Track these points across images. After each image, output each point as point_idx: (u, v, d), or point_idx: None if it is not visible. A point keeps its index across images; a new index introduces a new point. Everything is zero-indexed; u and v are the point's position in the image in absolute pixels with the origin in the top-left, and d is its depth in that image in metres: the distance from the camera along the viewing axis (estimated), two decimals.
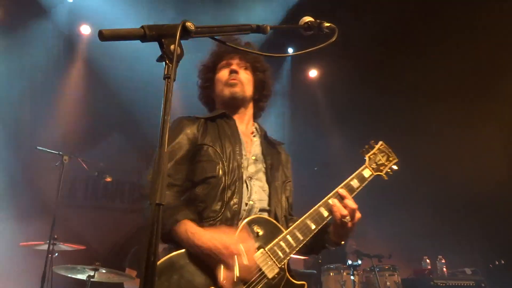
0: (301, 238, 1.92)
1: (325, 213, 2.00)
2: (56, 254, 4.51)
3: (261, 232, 1.88)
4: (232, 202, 1.93)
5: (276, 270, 1.84)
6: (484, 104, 5.90)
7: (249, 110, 2.30)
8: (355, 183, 2.14)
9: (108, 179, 5.28)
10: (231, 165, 1.99)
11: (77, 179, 7.11)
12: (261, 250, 1.85)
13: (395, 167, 2.35)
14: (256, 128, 2.30)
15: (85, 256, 5.25)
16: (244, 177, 2.02)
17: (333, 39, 1.69)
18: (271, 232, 1.91)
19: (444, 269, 5.62)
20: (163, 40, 1.28)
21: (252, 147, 2.18)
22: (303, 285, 1.92)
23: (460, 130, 5.93)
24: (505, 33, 5.55)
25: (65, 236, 4.79)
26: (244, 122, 2.26)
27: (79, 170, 5.25)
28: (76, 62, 7.19)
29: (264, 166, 2.14)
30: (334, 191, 2.07)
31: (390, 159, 2.37)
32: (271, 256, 1.86)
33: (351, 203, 2.00)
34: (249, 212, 1.96)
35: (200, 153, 2.02)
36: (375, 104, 6.67)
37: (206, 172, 1.97)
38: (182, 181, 1.99)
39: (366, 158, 2.30)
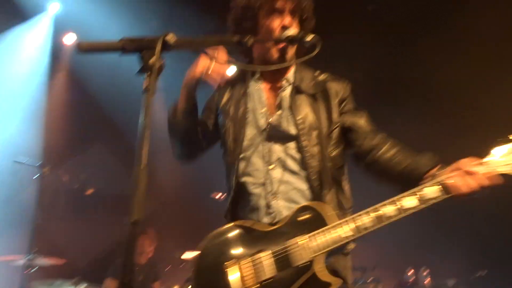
0: (351, 234, 1.68)
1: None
2: (35, 268, 4.37)
3: (307, 217, 1.76)
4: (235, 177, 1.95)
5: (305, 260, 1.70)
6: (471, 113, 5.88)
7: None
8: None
9: (90, 191, 5.17)
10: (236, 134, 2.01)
11: (58, 191, 6.95)
12: (303, 236, 1.72)
13: None
14: (287, 79, 2.08)
15: (65, 270, 5.10)
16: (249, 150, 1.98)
17: (315, 52, 1.68)
18: (319, 219, 1.75)
19: (427, 281, 5.62)
20: (143, 53, 1.26)
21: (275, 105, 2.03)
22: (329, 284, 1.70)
23: (446, 138, 5.90)
24: None
25: (45, 250, 4.65)
26: (277, 75, 2.08)
27: (59, 182, 5.14)
28: (58, 72, 7.08)
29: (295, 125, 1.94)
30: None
31: None
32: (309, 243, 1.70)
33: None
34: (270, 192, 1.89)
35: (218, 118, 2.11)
36: None
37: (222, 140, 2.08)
38: None
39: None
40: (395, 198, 1.69)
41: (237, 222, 1.89)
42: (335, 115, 2.01)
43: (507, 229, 5.80)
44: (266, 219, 1.86)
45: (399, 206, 1.68)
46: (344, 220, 1.71)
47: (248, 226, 1.86)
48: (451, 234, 6.45)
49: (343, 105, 2.05)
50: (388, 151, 1.91)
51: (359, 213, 1.71)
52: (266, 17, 2.01)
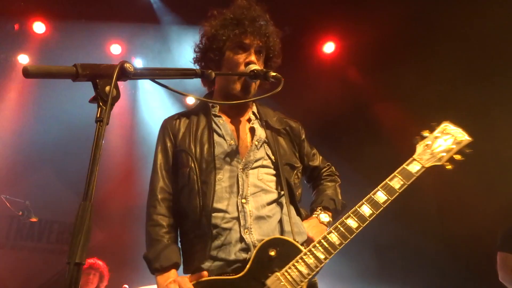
0: (322, 257, 1.73)
1: (354, 224, 1.78)
2: None
3: (274, 254, 1.74)
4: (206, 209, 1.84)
5: None
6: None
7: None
8: (396, 182, 1.83)
9: (34, 219, 4.86)
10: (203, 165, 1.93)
11: (0, 218, 6.51)
12: (275, 274, 1.72)
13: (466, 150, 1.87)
14: (254, 113, 2.14)
15: None
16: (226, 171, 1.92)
17: (279, 89, 1.67)
18: (287, 252, 1.76)
19: None
20: (97, 80, 1.19)
21: (248, 136, 2.04)
22: None
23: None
24: None
25: None
26: (239, 109, 2.11)
27: (2, 208, 4.81)
28: (9, 92, 6.75)
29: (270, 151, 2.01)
30: (369, 196, 1.82)
31: (459, 139, 1.89)
32: (284, 280, 1.70)
33: None
34: (244, 216, 1.83)
35: (177, 159, 2.00)
36: None
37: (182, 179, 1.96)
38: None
39: (417, 147, 1.89)
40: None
41: (207, 278, 1.79)
42: (299, 153, 2.16)
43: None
44: (238, 255, 1.79)
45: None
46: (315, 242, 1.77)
47: (220, 278, 1.78)
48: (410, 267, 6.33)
49: (304, 145, 2.21)
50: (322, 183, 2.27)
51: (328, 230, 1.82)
52: (232, 51, 2.02)
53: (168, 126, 2.08)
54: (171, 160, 2.01)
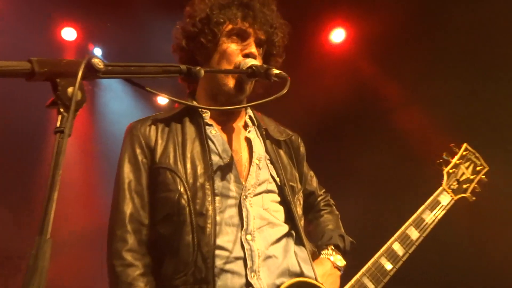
0: None
1: (388, 266, 1.92)
2: None
3: None
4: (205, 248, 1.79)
5: None
6: None
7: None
8: (429, 216, 2.00)
9: None
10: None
11: None
12: None
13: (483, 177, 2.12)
14: (250, 117, 2.16)
15: None
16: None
17: (284, 91, 1.67)
18: None
19: None
20: (57, 80, 1.17)
21: (245, 149, 2.04)
22: None
23: None
24: None
25: None
26: (235, 115, 2.13)
27: None
28: None
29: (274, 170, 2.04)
30: (399, 232, 1.97)
31: (478, 168, 2.13)
32: None
33: None
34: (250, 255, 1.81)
35: (157, 179, 1.92)
36: None
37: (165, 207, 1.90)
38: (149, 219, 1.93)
39: (444, 174, 2.09)
40: None
41: None
42: (298, 172, 2.20)
43: None
44: None
45: None
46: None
47: None
48: None
49: (304, 163, 2.28)
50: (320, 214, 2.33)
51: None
52: (228, 38, 2.02)
53: (138, 133, 2.00)
54: (145, 179, 1.95)
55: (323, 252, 2.12)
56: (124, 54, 6.21)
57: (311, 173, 2.36)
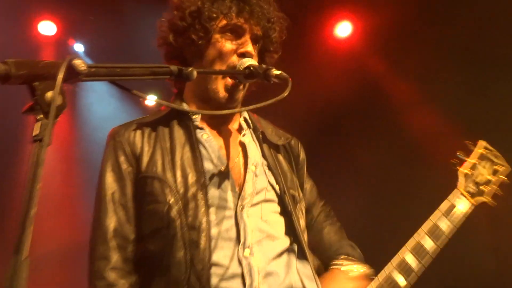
0: None
1: (402, 281, 1.91)
2: None
3: None
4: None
5: None
6: None
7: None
8: (445, 224, 1.94)
9: None
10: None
11: None
12: None
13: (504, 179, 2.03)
14: (245, 119, 2.16)
15: None
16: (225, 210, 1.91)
17: (285, 93, 1.68)
18: None
19: None
20: (35, 83, 1.18)
21: (239, 154, 2.05)
22: None
23: None
24: None
25: None
26: (229, 117, 2.13)
27: None
28: None
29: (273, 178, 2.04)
30: (413, 242, 1.95)
31: (498, 169, 2.05)
32: None
33: None
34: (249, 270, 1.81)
35: (144, 190, 1.90)
36: None
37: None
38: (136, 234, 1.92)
39: (460, 175, 2.01)
40: None
41: None
42: (301, 180, 2.23)
43: None
44: None
45: None
46: None
47: None
48: None
49: (304, 170, 2.30)
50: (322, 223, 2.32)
51: None
52: (222, 35, 2.02)
53: (122, 139, 1.99)
54: (130, 189, 1.95)
55: (332, 263, 2.11)
56: (109, 50, 6.19)
57: (312, 182, 2.37)
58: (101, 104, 6.64)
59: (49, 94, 1.17)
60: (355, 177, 5.95)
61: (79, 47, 6.29)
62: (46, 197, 6.09)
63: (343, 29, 6.07)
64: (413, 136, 5.72)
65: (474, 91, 5.26)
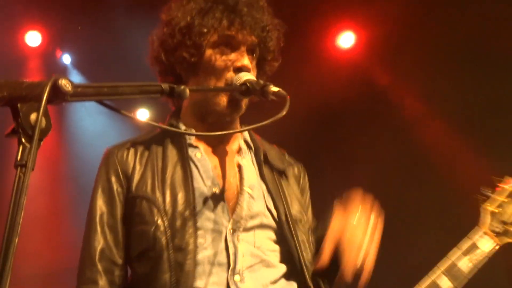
0: None
1: None
2: None
3: None
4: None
5: None
6: None
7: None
8: (465, 264, 1.92)
9: None
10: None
11: None
12: None
13: None
14: (246, 141, 2.16)
15: None
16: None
17: (284, 112, 1.69)
18: None
19: None
20: (19, 105, 1.18)
21: (236, 177, 2.04)
22: None
23: None
24: None
25: None
26: (227, 136, 2.13)
27: None
28: None
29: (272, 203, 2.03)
30: (427, 282, 1.93)
31: None
32: None
33: None
34: None
35: (133, 211, 1.93)
36: None
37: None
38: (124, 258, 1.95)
39: (484, 213, 1.99)
40: None
41: None
42: (306, 206, 2.21)
43: None
44: None
45: None
46: None
47: None
48: None
49: (307, 198, 2.30)
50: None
51: None
52: (215, 49, 2.02)
53: (115, 159, 2.03)
54: (119, 211, 1.98)
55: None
56: (97, 61, 6.21)
57: (310, 209, 2.33)
58: (90, 120, 6.64)
59: (32, 116, 1.17)
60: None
61: (66, 58, 6.30)
62: (31, 218, 6.07)
63: (346, 39, 6.10)
64: (419, 150, 5.73)
65: (483, 103, 5.28)
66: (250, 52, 2.05)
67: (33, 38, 6.05)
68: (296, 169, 2.27)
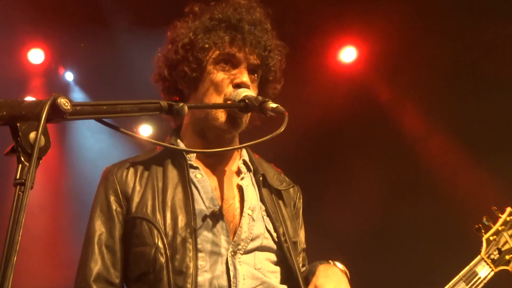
0: None
1: None
2: None
3: None
4: None
5: None
6: None
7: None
8: None
9: None
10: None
11: None
12: None
13: None
14: (245, 161, 2.16)
15: None
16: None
17: (282, 128, 1.69)
18: None
19: None
20: (18, 124, 1.19)
21: (236, 199, 2.05)
22: None
23: None
24: None
25: None
26: (227, 156, 2.13)
27: None
28: None
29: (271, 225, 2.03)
30: None
31: None
32: None
33: None
34: None
35: (133, 231, 1.93)
36: None
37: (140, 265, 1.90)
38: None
39: (484, 241, 2.08)
40: None
41: None
42: (299, 228, 2.23)
43: None
44: None
45: None
46: None
47: None
48: None
49: (301, 218, 2.30)
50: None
51: None
52: (216, 66, 2.04)
53: (114, 178, 2.03)
54: (118, 231, 1.97)
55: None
56: (99, 78, 6.22)
57: (303, 230, 2.34)
58: (93, 138, 6.64)
59: (32, 135, 1.18)
60: (358, 209, 5.94)
61: (69, 76, 6.32)
62: (31, 236, 6.06)
63: (348, 54, 6.09)
64: (418, 167, 5.72)
65: (482, 120, 5.30)
66: (252, 71, 2.07)
67: (36, 56, 6.08)
68: (291, 190, 2.27)
